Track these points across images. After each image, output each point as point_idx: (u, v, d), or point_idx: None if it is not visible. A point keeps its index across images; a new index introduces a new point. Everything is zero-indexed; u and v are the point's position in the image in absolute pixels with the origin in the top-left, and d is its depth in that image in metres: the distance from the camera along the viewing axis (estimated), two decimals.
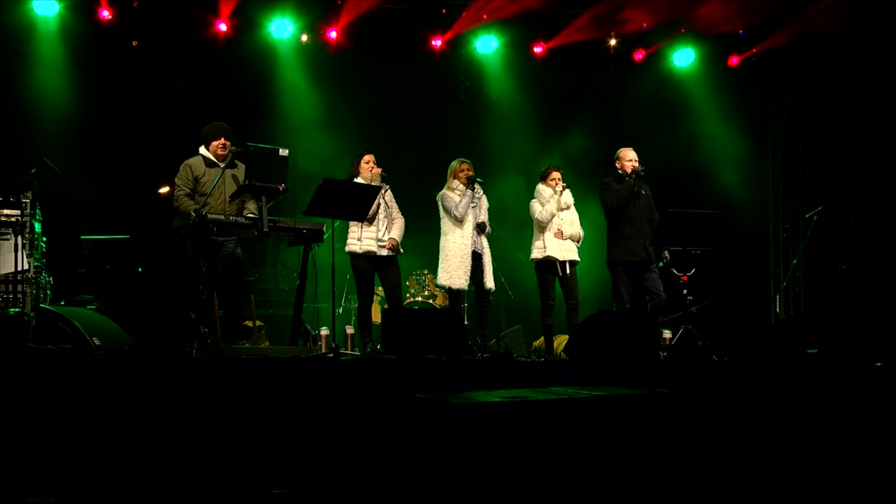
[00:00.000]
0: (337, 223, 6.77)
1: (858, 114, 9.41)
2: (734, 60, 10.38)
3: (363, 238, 7.02)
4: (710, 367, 6.27)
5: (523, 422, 4.02)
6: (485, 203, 7.49)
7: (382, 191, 7.08)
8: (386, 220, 7.13)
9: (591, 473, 3.84)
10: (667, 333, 7.26)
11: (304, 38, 9.54)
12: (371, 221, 7.01)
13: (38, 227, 7.25)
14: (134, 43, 9.00)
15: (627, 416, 4.20)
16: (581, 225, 7.61)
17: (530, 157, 9.74)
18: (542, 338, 7.86)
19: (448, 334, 6.31)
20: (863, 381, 5.13)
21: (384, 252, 7.05)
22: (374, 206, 6.96)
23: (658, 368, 6.11)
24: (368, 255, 7.03)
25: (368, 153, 7.20)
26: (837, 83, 9.71)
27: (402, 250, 7.21)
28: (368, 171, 7.12)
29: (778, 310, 10.32)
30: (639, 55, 10.28)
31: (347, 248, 7.10)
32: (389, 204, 7.20)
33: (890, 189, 9.22)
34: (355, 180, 7.07)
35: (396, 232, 7.15)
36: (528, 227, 7.79)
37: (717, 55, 10.40)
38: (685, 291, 7.13)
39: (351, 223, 7.06)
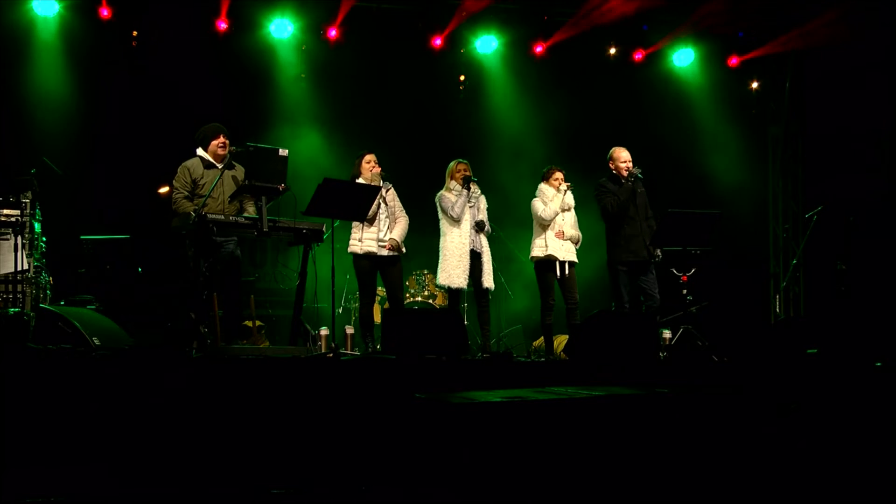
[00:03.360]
0: (337, 223, 6.76)
1: (858, 114, 9.41)
2: (734, 61, 10.38)
3: (364, 239, 7.00)
4: (710, 367, 6.26)
5: (523, 422, 4.02)
6: (483, 203, 7.47)
7: (383, 190, 7.07)
8: (387, 219, 7.11)
9: (592, 473, 3.83)
10: (667, 333, 7.25)
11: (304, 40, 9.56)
12: (371, 222, 7.00)
13: (38, 227, 7.25)
14: (134, 36, 8.99)
15: (627, 416, 4.19)
16: (580, 228, 7.60)
17: (529, 157, 9.72)
18: (542, 338, 7.85)
19: (448, 334, 6.30)
20: (863, 381, 5.13)
21: (385, 252, 7.05)
22: (374, 207, 6.94)
23: (658, 368, 6.11)
24: (369, 256, 7.02)
25: (370, 153, 7.19)
26: (837, 83, 9.70)
27: (404, 250, 7.17)
28: (369, 171, 7.12)
29: (778, 310, 10.32)
30: (638, 55, 10.28)
31: (349, 249, 7.07)
32: (391, 204, 7.17)
33: (890, 189, 9.22)
34: (357, 180, 7.07)
35: (398, 232, 7.12)
36: (528, 227, 7.76)
37: (717, 55, 10.40)
38: (685, 291, 7.11)
39: (353, 224, 7.06)
